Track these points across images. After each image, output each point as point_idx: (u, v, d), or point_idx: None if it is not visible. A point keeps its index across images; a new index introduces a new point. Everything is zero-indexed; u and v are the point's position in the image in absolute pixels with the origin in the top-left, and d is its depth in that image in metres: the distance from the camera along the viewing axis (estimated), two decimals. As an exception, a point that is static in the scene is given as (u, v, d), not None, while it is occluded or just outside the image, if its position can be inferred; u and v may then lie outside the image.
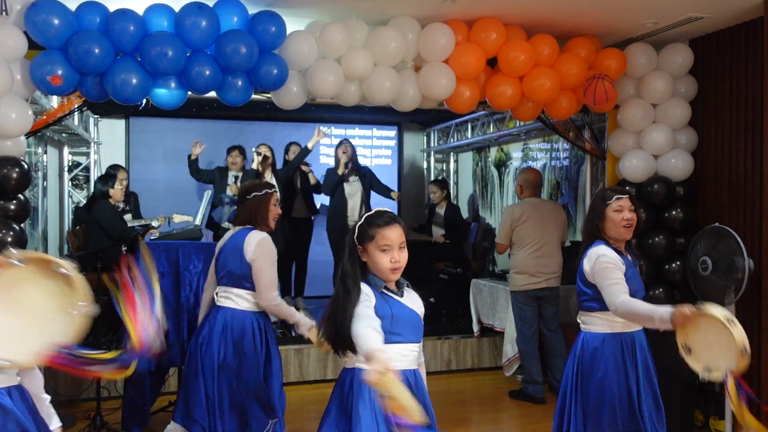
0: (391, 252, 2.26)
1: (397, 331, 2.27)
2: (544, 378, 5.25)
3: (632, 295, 2.93)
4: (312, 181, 6.94)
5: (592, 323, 3.09)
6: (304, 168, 6.81)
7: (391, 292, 2.33)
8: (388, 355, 2.13)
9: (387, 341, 2.23)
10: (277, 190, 3.66)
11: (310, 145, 6.46)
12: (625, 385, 3.01)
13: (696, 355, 2.74)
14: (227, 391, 3.37)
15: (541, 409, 5.01)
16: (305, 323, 3.47)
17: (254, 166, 6.27)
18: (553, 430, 3.23)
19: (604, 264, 2.97)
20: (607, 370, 3.02)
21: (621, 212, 3.05)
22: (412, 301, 2.38)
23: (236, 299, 3.44)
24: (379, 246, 2.26)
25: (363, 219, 2.33)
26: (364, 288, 2.27)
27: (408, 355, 2.32)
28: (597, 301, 3.03)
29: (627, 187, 4.75)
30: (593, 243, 3.09)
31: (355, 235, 2.31)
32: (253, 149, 6.34)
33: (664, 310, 2.73)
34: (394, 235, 2.27)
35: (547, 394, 5.21)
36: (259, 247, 3.41)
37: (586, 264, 3.05)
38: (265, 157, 6.27)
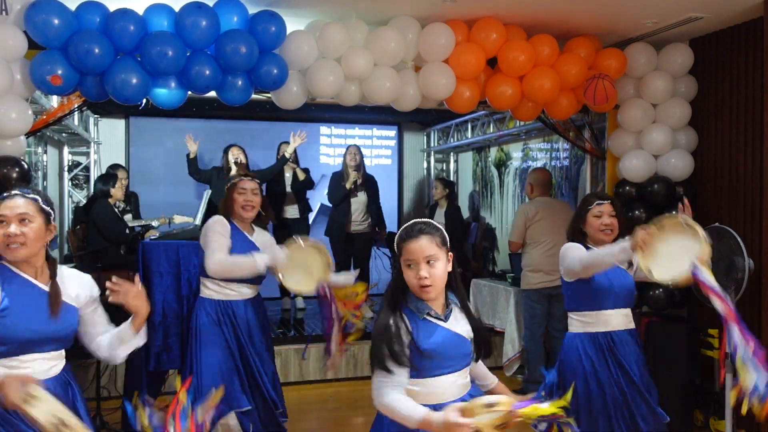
0: (416, 267, 2.08)
1: (444, 363, 2.09)
2: (545, 377, 5.25)
3: (608, 288, 3.10)
4: (301, 177, 6.83)
5: (571, 324, 3.27)
6: (292, 166, 6.73)
7: (435, 317, 2.12)
8: (437, 387, 2.07)
9: (434, 374, 2.09)
10: (250, 178, 3.62)
11: (287, 154, 6.39)
12: (597, 388, 3.09)
13: (660, 271, 2.89)
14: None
15: (541, 409, 5.01)
16: (261, 259, 3.42)
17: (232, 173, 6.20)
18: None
19: (569, 247, 3.17)
20: (580, 374, 3.13)
21: (600, 217, 3.18)
22: (458, 324, 2.16)
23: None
24: (405, 261, 2.10)
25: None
26: (402, 324, 2.08)
27: (457, 382, 2.14)
28: (571, 301, 3.22)
29: (627, 188, 4.78)
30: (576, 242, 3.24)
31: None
32: (233, 160, 6.27)
33: (621, 244, 2.89)
34: (417, 247, 2.07)
35: (547, 394, 5.21)
36: (204, 228, 3.56)
37: (560, 262, 3.21)
38: (238, 163, 6.21)
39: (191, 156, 6.38)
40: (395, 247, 2.16)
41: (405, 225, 2.17)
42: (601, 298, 3.13)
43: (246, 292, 3.57)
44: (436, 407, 1.99)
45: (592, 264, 3.01)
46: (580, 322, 3.21)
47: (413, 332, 2.07)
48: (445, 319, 2.14)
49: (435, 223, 2.18)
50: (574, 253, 3.11)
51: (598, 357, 3.11)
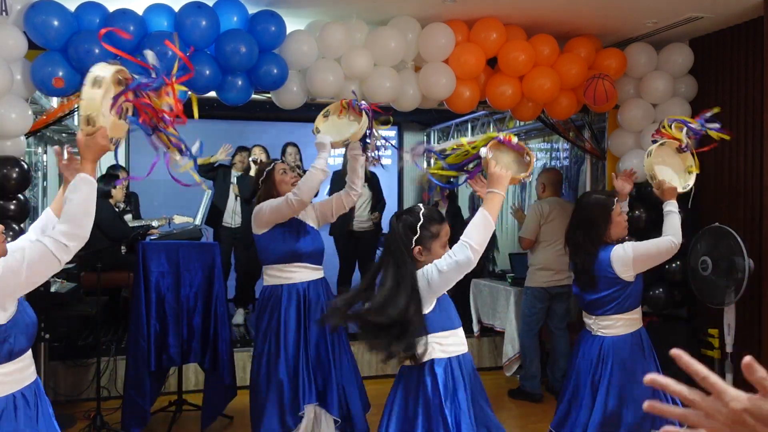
0: (446, 246, 2.37)
1: (450, 318, 2.36)
2: (542, 376, 5.25)
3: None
4: None
5: (614, 327, 3.14)
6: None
7: None
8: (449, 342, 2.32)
9: (444, 329, 2.31)
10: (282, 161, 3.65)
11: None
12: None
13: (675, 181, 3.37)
14: None
15: (540, 408, 5.01)
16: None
17: (252, 173, 6.18)
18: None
19: (637, 244, 3.09)
20: (639, 369, 3.08)
21: (622, 214, 3.18)
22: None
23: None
24: (443, 242, 2.36)
25: (421, 220, 2.32)
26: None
27: (461, 339, 2.39)
28: (619, 302, 3.10)
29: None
30: (605, 247, 3.10)
31: (415, 237, 2.31)
32: (251, 159, 6.26)
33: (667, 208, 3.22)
34: (449, 229, 2.41)
35: (545, 393, 5.21)
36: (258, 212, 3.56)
37: (619, 265, 3.05)
38: (257, 162, 6.21)
39: (211, 160, 6.36)
40: (428, 225, 2.34)
41: (429, 208, 2.42)
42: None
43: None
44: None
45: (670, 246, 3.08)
46: (626, 321, 3.14)
47: None
48: None
49: None
50: (648, 250, 3.06)
51: (642, 353, 3.15)
